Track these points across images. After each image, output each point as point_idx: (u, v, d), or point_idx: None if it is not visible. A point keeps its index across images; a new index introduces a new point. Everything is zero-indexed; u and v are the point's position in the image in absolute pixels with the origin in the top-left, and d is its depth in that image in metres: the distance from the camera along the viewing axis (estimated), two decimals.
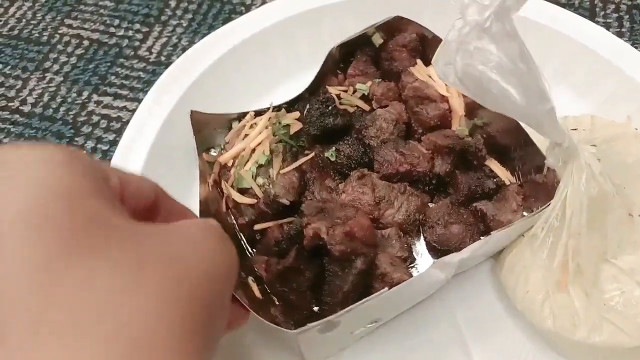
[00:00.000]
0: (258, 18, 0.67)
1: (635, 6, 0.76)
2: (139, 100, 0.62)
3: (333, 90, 0.60)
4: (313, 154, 0.56)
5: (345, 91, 0.60)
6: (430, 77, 0.59)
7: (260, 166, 0.54)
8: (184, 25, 0.77)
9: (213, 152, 0.59)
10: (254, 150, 0.55)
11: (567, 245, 0.46)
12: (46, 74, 0.72)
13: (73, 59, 0.73)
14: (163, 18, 0.77)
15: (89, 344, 0.22)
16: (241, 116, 0.58)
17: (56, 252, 0.23)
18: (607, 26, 0.74)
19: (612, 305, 0.46)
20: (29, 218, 0.24)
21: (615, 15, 0.76)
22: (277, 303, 0.49)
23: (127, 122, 0.60)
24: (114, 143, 0.64)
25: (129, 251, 0.25)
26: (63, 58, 0.73)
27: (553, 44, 0.64)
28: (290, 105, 0.59)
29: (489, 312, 0.52)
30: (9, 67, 0.72)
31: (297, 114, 0.58)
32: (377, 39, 0.62)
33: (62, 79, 0.71)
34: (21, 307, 0.22)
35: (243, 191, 0.54)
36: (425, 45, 0.61)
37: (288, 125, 0.56)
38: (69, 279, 0.23)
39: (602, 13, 0.76)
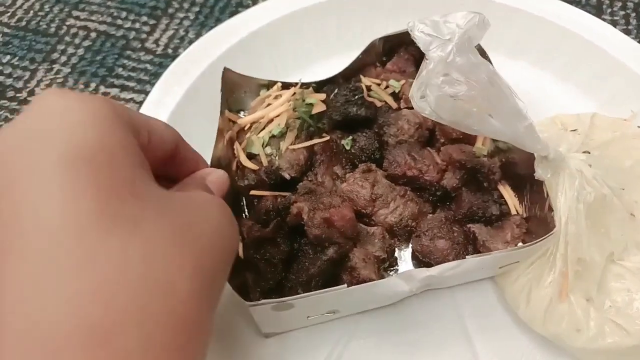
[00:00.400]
0: (266, 10, 0.67)
1: None
2: (146, 92, 0.64)
3: (366, 81, 0.60)
4: (328, 137, 0.57)
5: (379, 85, 0.60)
6: None
7: (273, 137, 0.56)
8: (191, 18, 0.78)
9: (242, 115, 0.61)
10: (272, 120, 0.56)
11: (566, 255, 0.46)
12: (54, 65, 0.74)
13: (80, 51, 0.75)
14: (170, 11, 0.79)
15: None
16: (271, 84, 0.60)
17: (94, 218, 0.25)
18: (614, 23, 0.74)
19: (618, 305, 0.46)
20: (71, 167, 0.26)
21: (622, 12, 0.76)
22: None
23: None
24: None
25: (160, 225, 0.27)
26: (70, 49, 0.75)
27: (559, 41, 0.65)
28: (319, 86, 0.60)
29: (495, 314, 0.51)
30: (17, 58, 0.74)
31: (323, 95, 0.58)
32: None
33: (69, 70, 0.73)
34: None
35: (251, 156, 0.56)
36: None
37: (311, 105, 0.57)
38: (102, 252, 0.25)
39: (609, 10, 0.76)
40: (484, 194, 0.54)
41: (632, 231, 0.47)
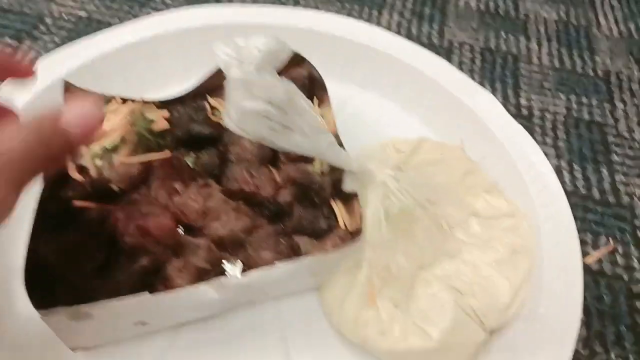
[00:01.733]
0: (119, 35, 0.69)
1: (487, 49, 0.89)
2: None
3: (212, 102, 0.60)
4: (168, 154, 0.56)
5: None
6: None
7: (106, 150, 0.54)
8: (57, 42, 0.77)
9: None
10: (107, 133, 0.54)
11: (371, 262, 0.48)
12: None
13: None
14: (35, 33, 0.78)
15: None
16: (110, 99, 0.58)
17: None
18: (461, 64, 0.85)
19: (424, 310, 0.48)
20: None
21: (469, 54, 0.88)
22: None
23: None
24: None
25: None
26: None
27: (405, 75, 0.71)
28: (164, 104, 0.60)
29: (316, 323, 0.51)
30: None
31: (165, 112, 0.58)
32: None
33: None
34: None
35: (82, 169, 0.53)
36: (313, 85, 0.63)
37: (152, 121, 0.56)
38: None
39: (458, 52, 0.88)
40: (315, 209, 0.55)
41: (440, 241, 0.50)
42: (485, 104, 0.66)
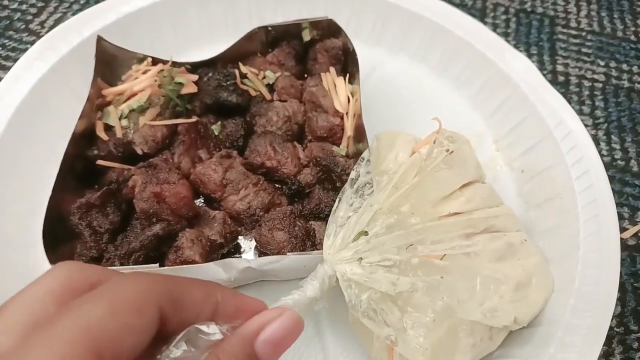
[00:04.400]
0: None
1: (522, 10, 0.83)
2: None
3: (244, 69, 0.59)
4: (195, 120, 0.56)
5: (257, 74, 0.60)
6: (335, 88, 0.58)
7: (132, 111, 0.55)
8: (82, 2, 0.77)
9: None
10: (135, 94, 0.55)
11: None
12: None
13: None
14: None
15: None
16: (143, 59, 0.59)
17: None
18: (495, 27, 0.80)
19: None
20: None
21: (503, 17, 0.82)
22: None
23: None
24: None
25: None
26: None
27: (436, 37, 0.68)
28: (194, 67, 0.59)
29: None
30: None
31: (195, 77, 0.58)
32: (306, 35, 0.62)
33: None
34: None
35: (108, 127, 0.54)
36: (346, 57, 0.61)
37: (181, 84, 0.56)
38: None
39: (492, 15, 0.82)
40: (335, 193, 0.53)
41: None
42: (521, 68, 0.62)
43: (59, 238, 0.45)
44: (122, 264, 0.44)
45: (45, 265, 0.42)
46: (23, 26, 0.74)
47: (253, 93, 0.59)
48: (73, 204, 0.48)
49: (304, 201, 0.54)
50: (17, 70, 0.58)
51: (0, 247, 0.49)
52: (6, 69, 0.69)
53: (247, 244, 0.52)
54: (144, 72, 0.57)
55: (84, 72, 0.57)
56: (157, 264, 0.43)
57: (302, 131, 0.58)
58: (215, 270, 0.45)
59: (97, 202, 0.47)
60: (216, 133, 0.56)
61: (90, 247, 0.46)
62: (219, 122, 0.57)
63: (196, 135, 0.56)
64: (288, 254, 0.45)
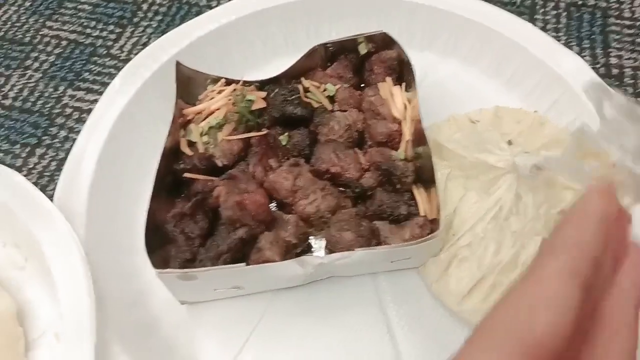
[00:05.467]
0: (214, 17, 0.73)
1: (573, 4, 0.83)
2: None
3: (305, 83, 0.65)
4: (266, 132, 0.62)
5: (318, 87, 0.65)
6: (392, 96, 0.62)
7: (211, 127, 0.61)
8: (154, 26, 0.84)
9: None
10: (213, 112, 0.62)
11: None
12: (27, 71, 0.80)
13: (52, 58, 0.82)
14: (135, 20, 0.85)
15: None
16: (218, 80, 0.65)
17: None
18: (546, 22, 0.81)
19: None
20: None
21: (554, 12, 0.83)
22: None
23: None
24: None
25: None
26: (43, 57, 0.82)
27: (486, 40, 0.71)
28: (262, 85, 0.65)
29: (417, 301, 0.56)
30: None
31: (263, 93, 0.64)
32: (363, 48, 0.66)
33: (41, 75, 0.80)
34: None
35: (191, 144, 0.61)
36: (402, 68, 0.65)
37: (252, 101, 0.62)
38: None
39: (542, 11, 0.83)
40: (396, 194, 0.58)
41: None
42: (573, 68, 0.64)
43: (155, 243, 0.52)
44: (212, 265, 0.51)
45: (145, 265, 0.50)
46: (105, 52, 0.82)
47: (315, 105, 0.64)
48: (165, 213, 0.55)
49: (366, 203, 0.59)
50: (108, 95, 0.67)
51: (109, 251, 0.57)
52: (93, 91, 0.78)
53: (318, 244, 0.58)
54: (219, 92, 0.64)
55: (164, 93, 0.64)
56: (244, 263, 0.49)
57: (362, 138, 0.63)
58: (293, 267, 0.51)
59: (189, 211, 0.54)
60: (284, 143, 0.62)
61: (184, 251, 0.53)
62: (286, 134, 0.62)
63: (267, 146, 0.62)
64: (356, 250, 0.51)
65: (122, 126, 0.65)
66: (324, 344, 0.54)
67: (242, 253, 0.53)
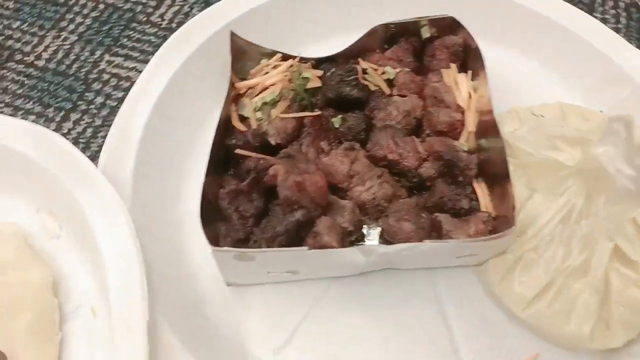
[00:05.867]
0: None
1: (633, 4, 0.80)
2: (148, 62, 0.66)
3: (363, 65, 0.62)
4: (319, 113, 0.59)
5: (376, 70, 0.62)
6: (456, 84, 0.59)
7: (265, 103, 0.58)
8: None
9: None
10: (267, 88, 0.59)
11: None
12: (61, 33, 0.77)
13: (88, 21, 0.78)
14: None
15: None
16: (273, 54, 0.62)
17: None
18: (604, 21, 0.76)
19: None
20: None
21: (612, 11, 0.80)
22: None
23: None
24: (122, 100, 0.63)
25: None
26: (79, 19, 0.79)
27: (546, 33, 0.68)
28: (318, 63, 0.62)
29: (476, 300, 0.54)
30: (27, 24, 0.77)
31: (320, 72, 0.61)
32: (426, 32, 0.63)
33: (76, 38, 0.76)
34: None
35: (244, 119, 0.58)
36: (467, 54, 0.62)
37: (307, 79, 0.59)
38: None
39: (601, 9, 0.80)
40: (457, 187, 0.55)
41: None
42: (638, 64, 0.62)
43: (206, 220, 0.48)
44: (268, 246, 0.48)
45: (190, 241, 0.46)
46: (145, 18, 0.79)
47: (373, 88, 0.61)
48: (216, 189, 0.52)
49: (424, 194, 0.56)
50: (154, 64, 0.63)
51: (154, 224, 0.54)
52: (132, 59, 0.74)
53: (372, 233, 0.55)
54: (274, 67, 0.60)
55: (212, 65, 0.62)
56: (306, 247, 0.46)
57: (419, 125, 0.60)
58: (356, 255, 0.48)
59: (246, 188, 0.51)
60: (337, 126, 0.59)
61: (237, 230, 0.50)
62: (340, 116, 0.59)
63: (320, 128, 0.59)
64: (425, 241, 0.48)
65: (169, 96, 0.61)
66: (377, 336, 0.51)
67: (297, 237, 0.50)
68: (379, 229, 0.55)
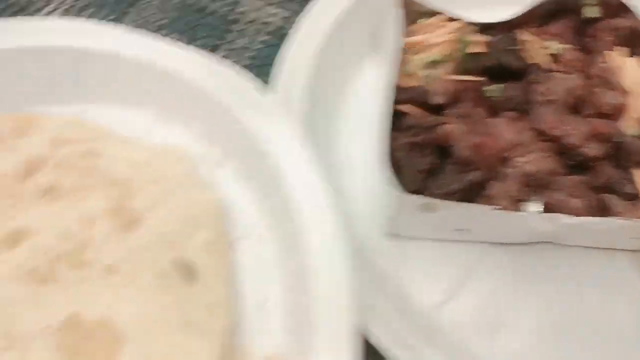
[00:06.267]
0: None
1: None
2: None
3: (527, 36, 0.60)
4: (482, 79, 0.58)
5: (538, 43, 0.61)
6: (622, 68, 0.58)
7: (433, 62, 0.57)
8: None
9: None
10: (429, 46, 0.58)
11: None
12: None
13: None
14: None
15: None
16: (433, 14, 0.61)
17: None
18: None
19: None
20: None
21: None
22: None
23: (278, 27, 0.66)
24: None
25: None
26: None
27: None
28: (482, 28, 0.61)
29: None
30: None
31: (485, 38, 0.59)
32: (591, 12, 0.61)
33: None
34: None
35: (408, 75, 0.57)
36: (634, 38, 0.60)
37: (471, 43, 0.58)
38: None
39: None
40: (621, 172, 0.54)
41: None
42: None
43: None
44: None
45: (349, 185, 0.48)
46: None
47: (531, 61, 0.60)
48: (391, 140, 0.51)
49: (586, 174, 0.54)
50: (310, 11, 0.62)
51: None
52: (273, 4, 0.72)
53: (532, 206, 0.52)
54: (437, 27, 0.59)
55: (366, 17, 0.62)
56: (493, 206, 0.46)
57: (579, 105, 0.58)
58: (537, 221, 0.48)
59: (421, 142, 0.50)
60: (496, 95, 0.57)
61: (411, 182, 0.49)
62: (498, 85, 0.58)
63: (479, 95, 0.58)
64: (615, 217, 0.47)
65: (329, 43, 0.60)
66: (540, 312, 0.51)
67: (470, 197, 0.49)
68: (538, 203, 0.53)
